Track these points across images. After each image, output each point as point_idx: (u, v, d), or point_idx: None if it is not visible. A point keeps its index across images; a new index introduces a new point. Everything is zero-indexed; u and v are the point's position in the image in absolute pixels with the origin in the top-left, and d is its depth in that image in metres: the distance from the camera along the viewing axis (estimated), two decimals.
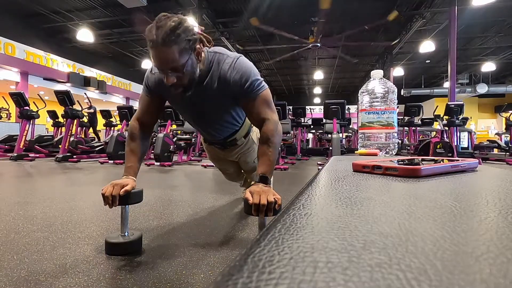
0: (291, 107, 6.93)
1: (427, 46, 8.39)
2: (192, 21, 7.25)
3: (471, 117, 10.82)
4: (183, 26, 0.88)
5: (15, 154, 4.96)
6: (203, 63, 0.99)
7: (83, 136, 6.75)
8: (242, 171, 1.66)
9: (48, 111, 6.94)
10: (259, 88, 1.01)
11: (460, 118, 5.21)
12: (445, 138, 4.98)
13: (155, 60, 0.90)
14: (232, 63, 1.00)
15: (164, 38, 0.85)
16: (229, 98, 1.07)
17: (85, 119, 7.05)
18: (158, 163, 4.34)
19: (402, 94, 14.22)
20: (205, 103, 1.10)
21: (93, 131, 7.84)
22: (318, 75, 12.56)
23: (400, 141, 6.11)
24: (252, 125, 1.35)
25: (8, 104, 8.46)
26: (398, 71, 11.66)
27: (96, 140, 7.02)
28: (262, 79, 1.04)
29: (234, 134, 1.29)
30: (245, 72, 1.00)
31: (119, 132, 4.97)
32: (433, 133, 7.39)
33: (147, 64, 11.44)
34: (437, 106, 6.40)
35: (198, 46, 0.93)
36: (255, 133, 1.40)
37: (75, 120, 5.26)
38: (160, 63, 0.90)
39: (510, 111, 6.52)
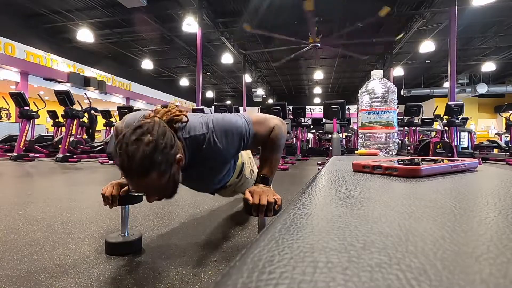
0: (291, 107, 6.93)
1: (427, 46, 8.39)
2: (190, 22, 7.27)
3: (471, 117, 10.83)
4: (159, 145, 0.74)
5: (15, 154, 4.96)
6: (183, 161, 0.86)
7: (83, 136, 6.75)
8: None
9: (48, 111, 6.93)
10: (249, 129, 0.95)
11: (460, 118, 5.21)
12: (445, 138, 4.98)
13: (133, 187, 0.81)
14: (212, 138, 0.90)
15: (138, 170, 0.73)
16: (221, 164, 1.03)
17: (85, 119, 7.05)
18: None
19: (402, 94, 14.22)
20: (193, 181, 1.07)
21: (89, 132, 7.83)
22: (318, 75, 12.56)
23: (400, 141, 6.11)
24: (244, 162, 1.30)
25: (8, 104, 8.46)
26: (398, 71, 11.65)
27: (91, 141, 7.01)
28: (241, 116, 0.97)
29: (226, 183, 1.24)
30: (227, 134, 0.92)
31: None
32: (433, 133, 7.39)
33: (147, 64, 11.45)
34: (437, 106, 6.40)
35: (179, 155, 0.81)
36: (248, 168, 1.34)
37: (75, 120, 5.26)
38: (138, 190, 0.83)
39: (510, 111, 6.52)
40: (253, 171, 1.39)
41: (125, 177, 0.77)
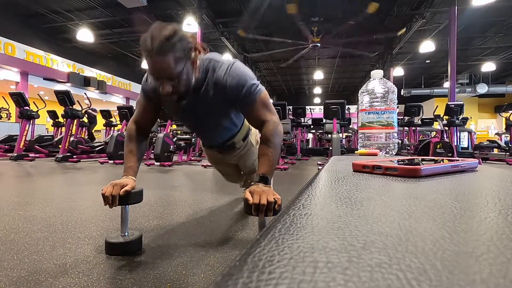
0: (291, 107, 6.93)
1: (427, 46, 8.39)
2: (190, 22, 7.27)
3: (471, 117, 10.82)
4: (178, 34, 0.87)
5: (15, 154, 4.96)
6: (198, 71, 0.98)
7: (83, 136, 6.75)
8: (242, 173, 1.66)
9: (48, 111, 6.93)
10: (256, 91, 1.01)
11: (460, 118, 5.21)
12: (445, 138, 4.98)
13: (151, 69, 0.90)
14: (227, 69, 0.99)
15: (159, 47, 0.84)
16: (227, 104, 1.07)
17: (85, 119, 7.05)
18: (158, 163, 4.34)
19: (402, 94, 14.22)
20: (202, 110, 1.10)
21: (89, 132, 7.84)
22: (318, 75, 12.57)
23: (400, 141, 6.11)
24: (250, 128, 1.35)
25: (8, 104, 8.45)
26: (398, 71, 11.66)
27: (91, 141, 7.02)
28: (258, 82, 1.04)
29: (232, 138, 1.29)
30: (241, 77, 0.99)
31: (119, 132, 4.97)
32: (433, 133, 7.39)
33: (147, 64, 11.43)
34: (437, 106, 6.40)
35: (193, 54, 0.92)
36: (253, 136, 1.39)
37: (75, 120, 5.26)
38: (155, 72, 0.89)
39: (510, 111, 6.52)
40: (258, 141, 1.42)
41: (145, 57, 0.87)
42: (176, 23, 0.91)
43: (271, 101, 1.07)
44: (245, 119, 1.28)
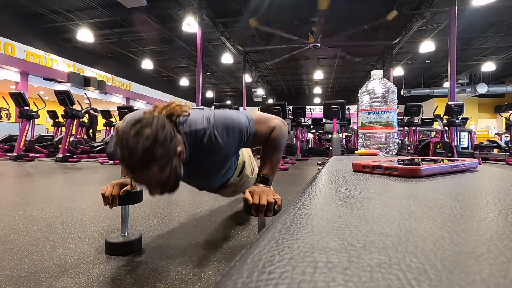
0: (291, 107, 6.93)
1: (427, 46, 8.39)
2: (190, 22, 7.27)
3: (471, 117, 10.82)
4: (159, 139, 0.74)
5: (15, 154, 4.96)
6: (185, 153, 0.87)
7: (83, 137, 6.75)
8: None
9: (48, 111, 6.93)
10: (250, 125, 0.94)
11: (460, 118, 5.21)
12: (445, 138, 4.98)
13: (135, 181, 0.81)
14: (213, 133, 0.90)
15: (139, 164, 0.73)
16: (225, 158, 1.03)
17: (85, 119, 7.05)
18: None
19: (402, 94, 14.22)
20: (195, 177, 1.06)
21: (91, 132, 7.85)
22: (318, 75, 12.56)
23: (400, 141, 6.11)
24: (245, 161, 1.30)
25: (8, 104, 8.46)
26: (398, 71, 11.65)
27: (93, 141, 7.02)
28: (242, 113, 0.97)
29: (227, 181, 1.23)
30: (228, 128, 0.91)
31: None
32: (433, 133, 7.39)
33: (147, 64, 11.45)
34: (437, 106, 6.40)
35: (179, 148, 0.81)
36: (249, 167, 1.34)
37: (75, 120, 5.26)
38: (140, 183, 0.81)
39: (510, 111, 6.52)
40: (253, 170, 1.39)
41: (127, 171, 0.77)
42: (153, 119, 0.78)
43: (262, 113, 1.02)
44: (239, 158, 1.24)
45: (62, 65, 10.31)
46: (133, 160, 0.73)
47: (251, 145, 1.00)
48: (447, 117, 5.12)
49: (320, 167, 0.94)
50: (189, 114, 0.90)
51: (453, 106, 5.06)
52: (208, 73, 14.50)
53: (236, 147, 0.97)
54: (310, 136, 8.90)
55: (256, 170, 1.38)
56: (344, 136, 6.98)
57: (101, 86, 11.46)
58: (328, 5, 6.43)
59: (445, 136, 5.07)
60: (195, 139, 0.90)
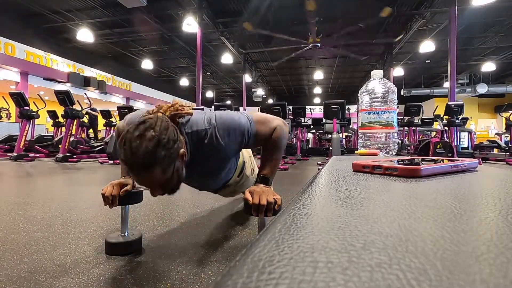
0: (291, 107, 6.93)
1: (427, 46, 8.39)
2: (190, 22, 7.27)
3: (471, 117, 10.82)
4: (162, 142, 0.74)
5: (15, 154, 4.96)
6: (187, 154, 0.88)
7: (83, 137, 6.75)
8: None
9: (48, 111, 6.94)
10: (251, 127, 0.95)
11: (460, 118, 5.21)
12: (445, 138, 4.98)
13: (137, 181, 0.81)
14: (214, 134, 0.91)
15: (142, 166, 0.73)
16: (226, 159, 1.03)
17: (85, 119, 7.05)
18: None
19: (402, 94, 14.22)
20: (195, 178, 1.06)
21: (93, 133, 7.86)
22: (318, 75, 12.56)
23: (400, 141, 6.11)
24: (245, 161, 1.30)
25: (8, 104, 8.46)
26: (398, 71, 11.65)
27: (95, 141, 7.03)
28: (244, 114, 0.98)
29: (228, 182, 1.23)
30: (230, 129, 0.92)
31: None
32: (433, 133, 7.40)
33: (147, 64, 11.45)
34: (437, 106, 6.41)
35: (182, 151, 0.81)
36: (249, 167, 1.34)
37: (75, 120, 5.26)
38: (143, 184, 0.82)
39: (510, 111, 6.52)
40: (253, 170, 1.39)
41: (129, 172, 0.78)
42: (154, 121, 0.78)
43: (263, 114, 1.02)
44: (239, 158, 1.24)
45: (62, 65, 10.31)
46: (136, 161, 0.73)
47: (253, 145, 1.01)
48: (447, 117, 5.12)
49: (320, 167, 0.94)
50: (191, 114, 0.91)
51: (453, 106, 5.06)
52: (208, 73, 14.50)
53: (237, 148, 0.98)
54: (310, 136, 8.90)
55: (256, 170, 1.38)
56: (344, 136, 6.98)
57: (101, 86, 11.46)
58: (315, 6, 6.42)
59: (445, 136, 5.07)
60: (197, 140, 0.91)
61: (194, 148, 0.91)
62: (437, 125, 5.39)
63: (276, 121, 1.00)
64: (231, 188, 1.32)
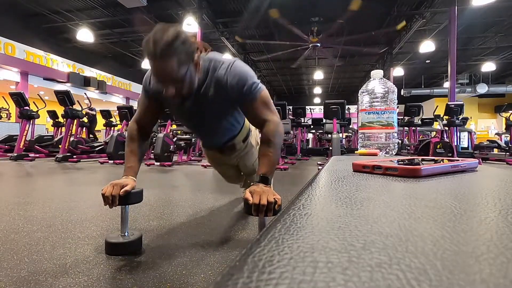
0: (291, 107, 6.93)
1: (427, 46, 8.39)
2: (190, 22, 7.27)
3: (471, 117, 10.82)
4: (181, 37, 0.87)
5: (15, 154, 4.96)
6: (200, 72, 0.99)
7: (83, 136, 6.75)
8: (242, 173, 1.66)
9: (48, 111, 6.94)
10: (256, 90, 1.01)
11: (460, 118, 5.21)
12: (445, 138, 4.98)
13: (154, 73, 0.90)
14: (227, 68, 0.99)
15: (162, 52, 0.84)
16: (227, 104, 1.07)
17: (85, 119, 7.05)
18: (158, 163, 4.34)
19: (402, 94, 14.22)
20: (203, 110, 1.10)
21: (91, 132, 7.84)
22: (318, 75, 12.56)
23: (400, 141, 6.11)
24: (251, 129, 1.36)
25: (8, 104, 8.45)
26: (398, 71, 11.66)
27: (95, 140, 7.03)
28: (259, 81, 1.04)
29: (232, 139, 1.29)
30: (241, 76, 0.99)
31: (119, 132, 4.97)
32: (433, 133, 7.39)
33: (147, 64, 11.39)
34: (437, 106, 6.40)
35: (196, 56, 0.93)
36: (254, 137, 1.40)
37: (75, 120, 5.26)
38: (158, 75, 0.90)
39: (510, 111, 6.52)
40: (258, 143, 1.43)
41: (148, 60, 0.88)
42: (178, 24, 0.92)
43: (270, 99, 1.07)
44: (245, 120, 1.28)
45: (62, 65, 10.31)
46: (156, 48, 0.84)
47: (246, 110, 1.05)
48: (447, 117, 5.12)
49: (320, 167, 0.94)
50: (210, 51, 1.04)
51: (453, 106, 5.06)
52: None
53: (237, 96, 1.02)
54: (310, 136, 8.89)
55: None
56: (344, 136, 6.98)
57: (101, 86, 11.47)
58: (278, 15, 6.54)
59: (445, 136, 5.06)
60: (210, 68, 1.01)
61: (206, 74, 1.01)
62: (437, 125, 5.38)
63: (276, 115, 1.05)
64: (237, 154, 1.36)
